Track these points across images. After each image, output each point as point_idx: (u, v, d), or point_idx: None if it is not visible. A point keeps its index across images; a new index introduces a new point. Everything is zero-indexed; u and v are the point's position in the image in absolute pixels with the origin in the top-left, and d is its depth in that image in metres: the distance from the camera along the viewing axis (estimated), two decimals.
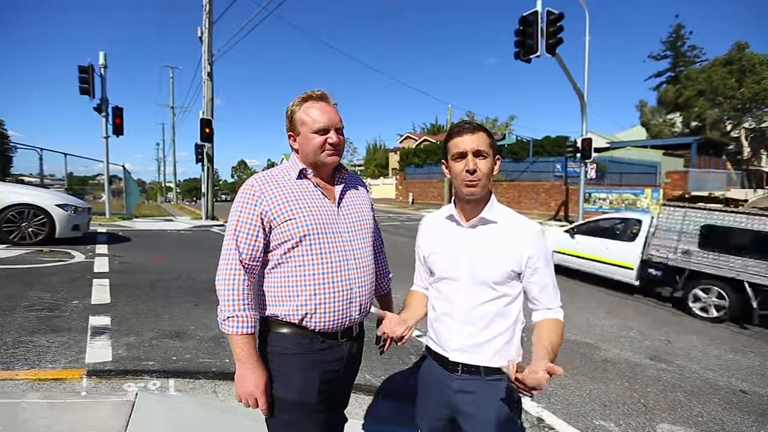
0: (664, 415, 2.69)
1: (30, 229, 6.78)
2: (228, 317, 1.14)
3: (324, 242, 1.21)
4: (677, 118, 29.01)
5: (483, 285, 1.21)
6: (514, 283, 1.23)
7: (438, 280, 1.31)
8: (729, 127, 26.80)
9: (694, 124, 27.41)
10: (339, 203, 1.30)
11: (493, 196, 1.26)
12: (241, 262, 1.17)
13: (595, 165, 16.42)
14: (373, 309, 1.32)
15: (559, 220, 17.15)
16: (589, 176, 15.50)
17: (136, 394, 2.32)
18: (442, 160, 1.27)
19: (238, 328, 1.14)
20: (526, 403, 2.72)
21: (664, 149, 20.03)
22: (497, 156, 1.23)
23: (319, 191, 1.27)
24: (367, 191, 1.47)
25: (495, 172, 1.22)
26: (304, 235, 1.19)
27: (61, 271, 5.22)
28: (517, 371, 1.05)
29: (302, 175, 1.26)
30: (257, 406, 1.19)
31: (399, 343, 1.25)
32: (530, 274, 1.21)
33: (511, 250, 1.19)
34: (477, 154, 1.16)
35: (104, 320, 3.57)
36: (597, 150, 18.33)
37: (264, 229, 1.19)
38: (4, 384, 2.37)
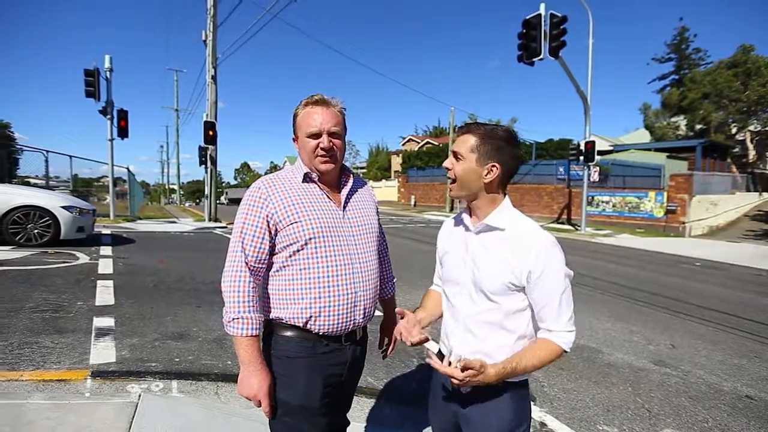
0: (669, 420, 2.67)
1: (35, 231, 6.84)
2: (233, 319, 1.15)
3: (329, 245, 1.21)
4: (681, 120, 28.95)
5: (482, 294, 1.16)
6: (518, 296, 1.14)
7: (445, 283, 1.31)
8: (734, 130, 26.71)
9: (698, 127, 27.32)
10: (344, 207, 1.30)
11: (505, 201, 1.19)
12: (246, 264, 1.17)
13: (598, 168, 16.38)
14: (397, 309, 1.31)
15: (562, 223, 17.11)
16: (592, 179, 15.47)
17: (140, 396, 2.34)
18: None
19: (243, 330, 1.14)
20: None
21: (668, 152, 19.94)
22: (492, 164, 1.12)
23: (325, 195, 1.27)
24: (373, 195, 1.47)
25: (487, 180, 1.13)
26: (310, 239, 1.19)
27: (66, 273, 5.26)
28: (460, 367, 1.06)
29: (308, 178, 1.27)
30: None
31: (412, 345, 1.23)
32: (531, 289, 1.12)
33: (512, 262, 1.11)
34: (454, 155, 1.17)
35: (108, 322, 3.59)
36: (600, 153, 18.30)
37: (270, 232, 1.20)
38: (9, 385, 2.40)
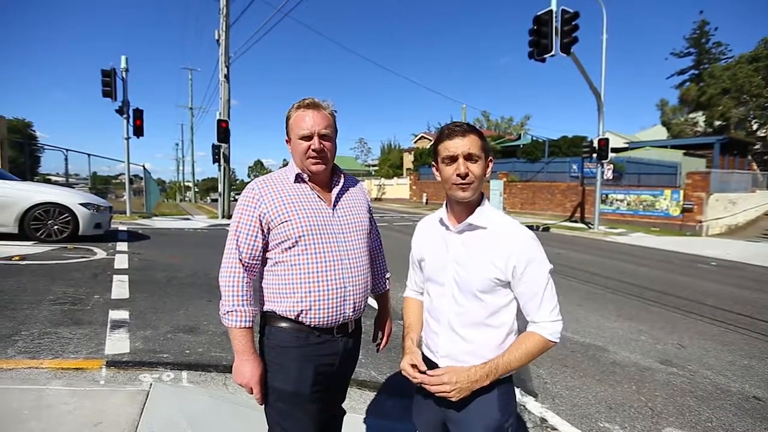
0: (672, 419, 2.66)
1: (55, 227, 7.09)
2: (228, 311, 1.22)
3: (319, 243, 1.27)
4: (700, 117, 28.20)
5: (468, 293, 1.17)
6: (503, 291, 1.16)
7: (427, 281, 1.31)
8: (755, 127, 25.88)
9: (717, 123, 26.58)
10: (334, 206, 1.35)
11: (485, 200, 1.21)
12: (241, 261, 1.24)
13: (612, 165, 16.08)
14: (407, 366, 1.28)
15: (575, 222, 16.88)
16: (605, 177, 15.20)
17: (151, 385, 2.44)
18: (433, 163, 1.25)
19: (237, 322, 1.21)
20: (530, 403, 2.74)
21: (685, 149, 19.48)
22: (489, 158, 1.19)
23: (315, 194, 1.33)
24: (365, 194, 1.51)
25: (487, 175, 1.18)
26: (300, 236, 1.25)
27: (84, 267, 5.46)
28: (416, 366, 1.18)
29: (299, 178, 1.32)
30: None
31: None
32: (516, 284, 1.14)
33: (496, 258, 1.13)
34: (468, 157, 1.13)
35: (123, 314, 3.73)
36: (615, 150, 18.00)
37: (263, 230, 1.26)
38: (31, 372, 2.53)
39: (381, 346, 1.62)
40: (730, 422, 2.65)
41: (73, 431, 1.92)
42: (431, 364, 1.25)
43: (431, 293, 1.29)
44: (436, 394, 1.15)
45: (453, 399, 1.13)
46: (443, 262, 1.23)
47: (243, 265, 1.24)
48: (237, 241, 1.25)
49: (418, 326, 1.35)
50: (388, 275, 1.65)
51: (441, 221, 1.26)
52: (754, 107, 24.29)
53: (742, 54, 24.99)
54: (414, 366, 1.20)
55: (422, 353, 1.30)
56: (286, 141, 1.36)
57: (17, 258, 5.70)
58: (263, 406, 1.34)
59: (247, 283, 1.25)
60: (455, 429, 1.21)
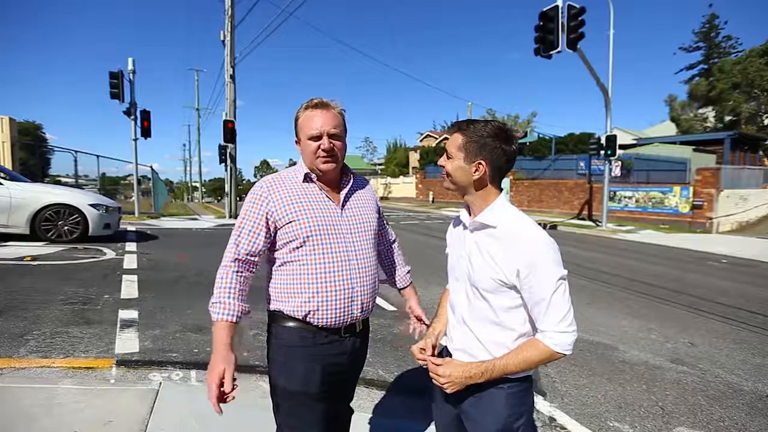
0: (683, 418, 2.62)
1: (66, 228, 7.18)
2: (213, 302, 1.22)
3: (327, 243, 1.27)
4: (709, 112, 27.77)
5: (476, 290, 1.17)
6: (510, 293, 1.13)
7: (449, 276, 1.35)
8: (766, 122, 25.44)
9: (727, 118, 26.17)
10: (343, 206, 1.35)
11: (499, 198, 1.18)
12: (237, 258, 1.25)
13: (620, 162, 15.92)
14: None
15: (583, 219, 16.74)
16: (613, 174, 15.05)
17: (160, 384, 2.46)
18: None
19: (219, 314, 1.19)
20: (538, 402, 2.72)
21: (694, 145, 19.19)
22: (479, 162, 1.13)
23: (324, 194, 1.32)
24: (374, 194, 1.51)
25: (476, 177, 1.14)
26: (308, 236, 1.25)
27: (94, 267, 5.53)
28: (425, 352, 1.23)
29: (308, 178, 1.32)
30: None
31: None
32: (521, 287, 1.11)
33: (502, 260, 1.11)
34: (446, 153, 1.20)
35: (132, 314, 3.77)
36: (623, 147, 17.77)
37: (268, 229, 1.26)
38: (42, 371, 2.57)
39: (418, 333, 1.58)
40: (743, 422, 2.61)
41: (84, 429, 1.95)
42: (449, 354, 1.29)
43: (451, 286, 1.33)
44: (433, 382, 1.20)
45: (448, 391, 1.17)
46: (460, 258, 1.25)
47: (240, 261, 1.25)
48: (238, 236, 1.26)
49: (444, 317, 1.37)
50: (409, 268, 1.66)
51: (461, 217, 1.28)
52: (766, 102, 23.87)
53: (752, 48, 24.52)
54: (422, 350, 1.25)
55: (444, 342, 1.35)
56: (296, 142, 1.36)
57: (29, 258, 5.79)
58: (272, 406, 1.34)
59: (237, 277, 1.24)
60: (467, 423, 1.25)
